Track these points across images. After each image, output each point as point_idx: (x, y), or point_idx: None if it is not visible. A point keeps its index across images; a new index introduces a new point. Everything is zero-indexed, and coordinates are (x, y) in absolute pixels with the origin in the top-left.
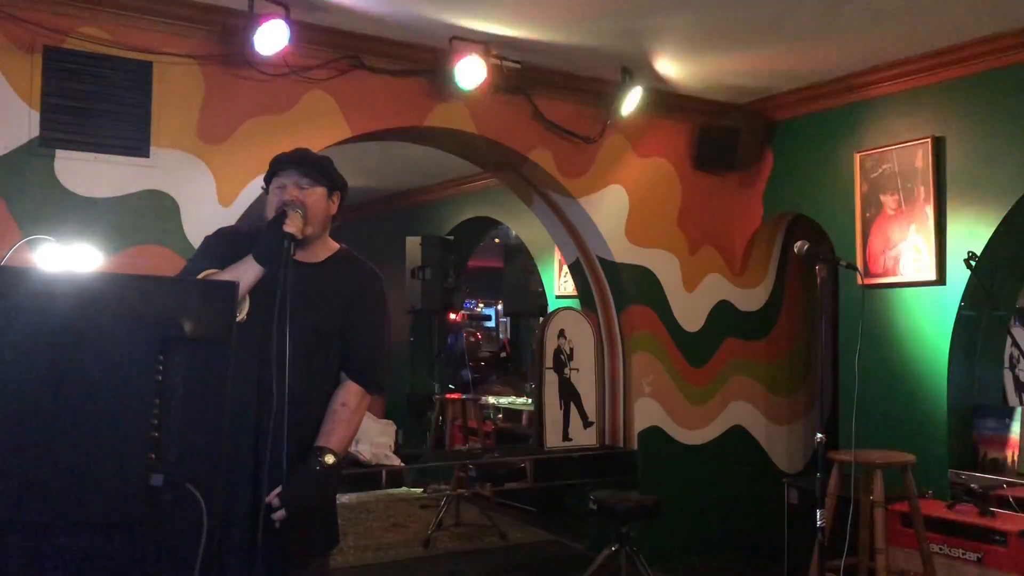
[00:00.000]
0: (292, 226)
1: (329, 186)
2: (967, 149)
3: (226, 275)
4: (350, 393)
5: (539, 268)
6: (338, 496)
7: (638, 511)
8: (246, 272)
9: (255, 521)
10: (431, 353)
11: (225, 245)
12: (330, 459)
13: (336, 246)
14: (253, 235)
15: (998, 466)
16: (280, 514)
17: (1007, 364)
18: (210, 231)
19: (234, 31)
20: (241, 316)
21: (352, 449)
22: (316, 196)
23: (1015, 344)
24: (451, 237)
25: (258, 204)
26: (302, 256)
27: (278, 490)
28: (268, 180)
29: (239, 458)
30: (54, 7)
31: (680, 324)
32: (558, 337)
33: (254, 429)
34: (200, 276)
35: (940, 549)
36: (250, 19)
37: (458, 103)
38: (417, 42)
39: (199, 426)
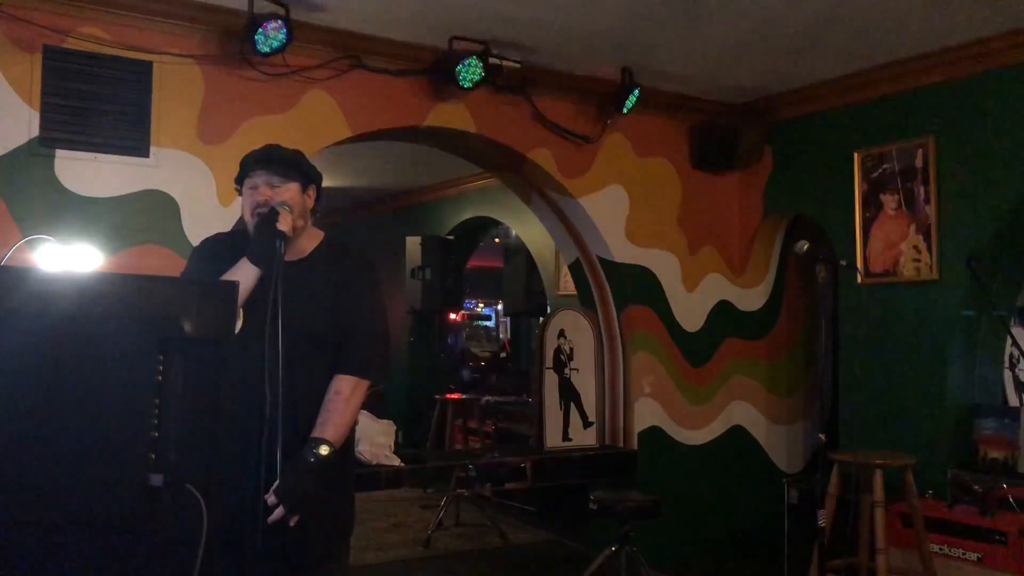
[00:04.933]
0: (284, 224)
1: (303, 180)
2: (967, 149)
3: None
4: (342, 381)
5: (539, 268)
6: None
7: (638, 511)
8: (244, 276)
9: (262, 525)
10: (431, 353)
11: (215, 252)
12: (324, 450)
13: (320, 235)
14: (241, 239)
15: (998, 466)
16: (279, 512)
17: (1007, 364)
18: (210, 231)
19: (234, 31)
20: (235, 329)
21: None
22: (290, 193)
23: (1015, 344)
24: (451, 237)
25: None
26: (287, 255)
27: (274, 486)
28: (240, 181)
29: (244, 464)
30: (54, 7)
31: (680, 324)
32: (558, 337)
33: (256, 435)
34: None
35: (940, 549)
36: (250, 19)
37: (458, 103)
38: (417, 42)
39: (199, 426)
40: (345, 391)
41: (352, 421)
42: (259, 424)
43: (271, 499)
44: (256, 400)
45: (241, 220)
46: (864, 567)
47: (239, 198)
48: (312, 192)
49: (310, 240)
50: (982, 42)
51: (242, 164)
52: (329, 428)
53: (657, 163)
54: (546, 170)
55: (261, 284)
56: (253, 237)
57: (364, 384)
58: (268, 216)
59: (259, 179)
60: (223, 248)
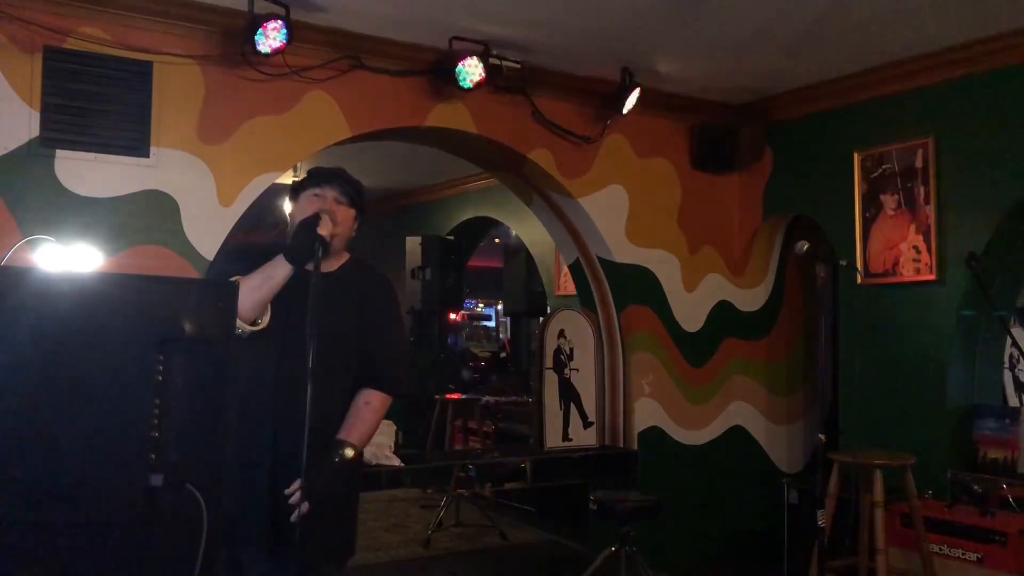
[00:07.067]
0: (324, 229)
1: (359, 209)
2: (967, 149)
3: (257, 275)
4: (374, 395)
5: (539, 268)
6: None
7: (638, 511)
8: (277, 271)
9: (272, 520)
10: (431, 353)
11: (245, 253)
12: (350, 452)
13: (346, 255)
14: (270, 246)
15: (998, 466)
16: (304, 507)
17: (1007, 364)
18: (210, 231)
19: (234, 31)
20: (263, 323)
21: None
22: (347, 215)
23: (1015, 344)
24: (451, 237)
25: (259, 204)
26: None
27: (298, 483)
28: (300, 189)
29: (255, 458)
30: (54, 7)
31: (680, 324)
32: (558, 337)
33: (271, 430)
34: (231, 280)
35: (940, 549)
36: (250, 19)
37: (458, 103)
38: (417, 42)
39: (199, 426)
40: (375, 404)
41: (374, 432)
42: (270, 419)
43: (295, 496)
44: (269, 397)
45: (240, 224)
46: (864, 567)
47: (239, 198)
48: (358, 222)
49: (338, 259)
50: (982, 42)
51: (313, 174)
52: (355, 433)
53: (657, 163)
54: (546, 170)
55: (289, 285)
56: (292, 236)
57: (390, 400)
58: (311, 220)
59: (331, 191)
60: (252, 250)
